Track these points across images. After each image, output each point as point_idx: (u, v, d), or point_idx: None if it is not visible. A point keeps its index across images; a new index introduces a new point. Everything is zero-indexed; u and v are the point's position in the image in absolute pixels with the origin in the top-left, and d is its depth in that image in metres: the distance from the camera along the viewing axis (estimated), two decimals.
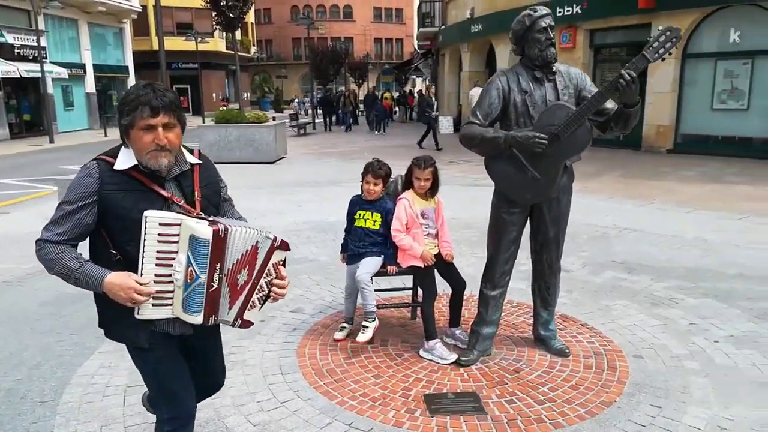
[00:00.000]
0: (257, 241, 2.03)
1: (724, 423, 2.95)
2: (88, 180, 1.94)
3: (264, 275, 2.09)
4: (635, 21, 14.16)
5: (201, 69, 35.82)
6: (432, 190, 3.81)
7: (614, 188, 9.63)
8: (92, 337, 4.09)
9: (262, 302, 2.14)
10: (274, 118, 21.78)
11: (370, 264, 3.71)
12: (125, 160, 1.98)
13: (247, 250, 2.02)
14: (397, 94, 36.76)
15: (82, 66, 27.70)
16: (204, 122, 34.27)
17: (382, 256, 3.78)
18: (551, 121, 3.26)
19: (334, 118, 26.20)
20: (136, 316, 1.95)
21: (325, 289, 5.03)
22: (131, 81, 33.02)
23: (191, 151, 2.16)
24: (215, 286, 1.97)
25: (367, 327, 3.68)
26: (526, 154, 3.32)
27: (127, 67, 32.44)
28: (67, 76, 24.57)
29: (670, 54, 3.05)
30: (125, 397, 3.28)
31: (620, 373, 3.49)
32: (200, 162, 2.15)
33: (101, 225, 1.99)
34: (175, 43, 36.60)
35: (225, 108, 36.31)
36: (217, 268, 1.95)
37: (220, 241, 1.93)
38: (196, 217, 1.98)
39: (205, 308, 1.98)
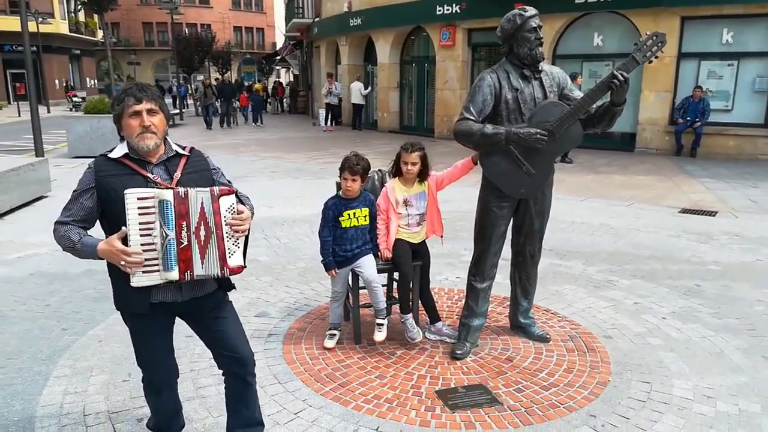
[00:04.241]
0: (201, 199, 2.24)
1: (707, 392, 3.29)
2: (86, 172, 2.31)
3: (223, 223, 2.26)
4: None
5: (42, 52, 32.28)
6: (421, 176, 3.78)
7: None
8: (37, 361, 3.58)
9: (237, 245, 2.32)
10: None
11: (373, 262, 3.62)
12: (118, 151, 2.32)
13: (199, 210, 2.25)
14: (270, 85, 35.65)
15: None
16: (49, 111, 31.09)
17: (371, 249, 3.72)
18: (546, 117, 3.39)
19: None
20: (131, 284, 2.19)
21: (281, 291, 4.82)
22: None
23: (183, 148, 2.45)
24: (185, 243, 2.22)
25: (382, 325, 3.58)
26: (522, 149, 3.43)
27: None
28: None
29: (656, 57, 3.30)
30: (114, 425, 2.90)
31: (601, 354, 3.74)
32: (188, 154, 2.42)
33: (104, 212, 2.28)
34: (8, 23, 32.64)
35: (74, 97, 32.90)
36: (184, 225, 2.21)
37: (182, 201, 2.20)
38: (168, 188, 2.24)
39: (179, 264, 2.21)
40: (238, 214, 2.29)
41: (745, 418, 3.03)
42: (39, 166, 8.57)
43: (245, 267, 2.36)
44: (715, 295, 4.81)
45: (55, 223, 2.28)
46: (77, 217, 2.27)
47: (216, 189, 2.26)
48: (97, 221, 2.33)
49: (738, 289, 4.92)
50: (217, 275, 2.28)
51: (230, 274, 2.31)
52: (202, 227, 2.25)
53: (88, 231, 2.28)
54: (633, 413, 3.07)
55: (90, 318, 4.18)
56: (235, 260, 2.30)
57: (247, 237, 2.39)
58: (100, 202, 2.27)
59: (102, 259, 2.19)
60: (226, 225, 2.26)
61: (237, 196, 2.35)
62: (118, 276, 2.26)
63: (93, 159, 2.36)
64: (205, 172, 2.44)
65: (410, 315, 3.73)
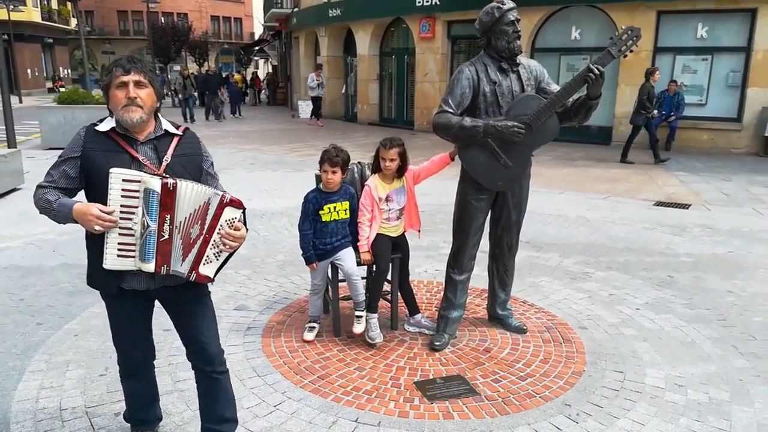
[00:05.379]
0: (209, 198, 2.21)
1: (678, 380, 3.37)
2: (75, 138, 2.27)
3: (216, 230, 2.24)
4: None
5: (13, 41, 31.61)
6: (399, 171, 3.78)
7: None
8: (11, 355, 3.53)
9: (218, 257, 2.29)
10: None
11: (352, 255, 3.62)
12: (106, 124, 2.27)
13: (199, 206, 2.20)
14: (249, 76, 35.13)
15: None
16: (21, 102, 30.42)
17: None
18: (523, 111, 3.42)
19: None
20: (103, 266, 2.17)
21: (259, 284, 4.80)
22: None
23: (177, 127, 2.39)
24: (165, 236, 2.18)
25: (361, 317, 3.60)
26: (500, 142, 3.46)
27: None
28: None
29: (631, 51, 3.34)
30: (91, 420, 2.88)
31: (576, 345, 3.81)
32: (181, 134, 2.36)
33: (87, 187, 2.25)
34: None
35: (61, 87, 32.28)
36: (167, 218, 2.16)
37: (169, 193, 2.15)
38: (156, 175, 2.18)
39: (156, 257, 2.18)
40: (235, 230, 2.25)
41: (714, 405, 3.11)
42: (11, 158, 8.40)
43: (213, 280, 2.33)
44: (688, 286, 4.91)
45: (37, 186, 2.26)
46: (59, 184, 2.23)
47: (228, 196, 2.23)
48: (82, 192, 2.28)
49: (709, 281, 5.03)
50: (183, 275, 2.26)
51: (196, 280, 2.28)
52: (197, 226, 2.21)
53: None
54: (607, 402, 3.13)
55: (65, 312, 4.12)
56: (207, 269, 2.28)
57: (228, 257, 2.34)
58: (83, 173, 2.23)
59: (77, 222, 2.15)
60: (217, 234, 2.23)
61: (244, 215, 2.31)
62: (94, 254, 2.24)
63: (82, 129, 2.29)
64: (196, 157, 2.37)
65: (376, 315, 3.74)
